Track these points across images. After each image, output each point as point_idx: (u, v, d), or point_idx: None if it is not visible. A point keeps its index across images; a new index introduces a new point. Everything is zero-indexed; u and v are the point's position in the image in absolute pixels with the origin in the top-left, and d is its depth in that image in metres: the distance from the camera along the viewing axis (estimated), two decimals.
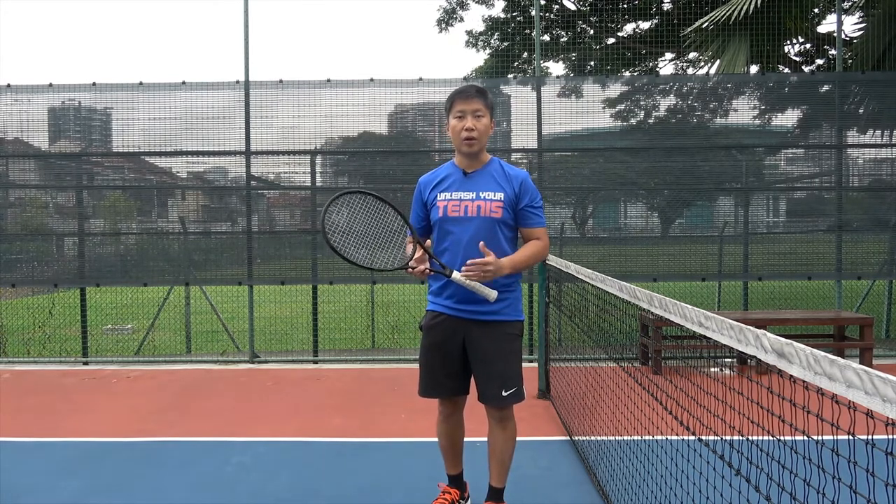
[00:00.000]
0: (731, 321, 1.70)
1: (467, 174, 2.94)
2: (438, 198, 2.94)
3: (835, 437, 1.37)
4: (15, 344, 8.19)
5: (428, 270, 2.76)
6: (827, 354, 1.29)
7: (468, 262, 2.73)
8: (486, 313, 2.87)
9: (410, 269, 2.76)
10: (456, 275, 2.74)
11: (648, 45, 11.40)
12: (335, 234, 2.76)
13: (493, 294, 2.75)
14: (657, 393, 2.71)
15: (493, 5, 13.07)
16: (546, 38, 12.06)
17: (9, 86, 6.97)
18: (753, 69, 8.53)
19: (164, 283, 7.54)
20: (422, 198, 3.04)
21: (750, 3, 7.03)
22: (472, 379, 3.01)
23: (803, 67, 10.30)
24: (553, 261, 4.70)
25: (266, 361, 7.06)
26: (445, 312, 2.94)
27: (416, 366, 3.10)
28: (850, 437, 1.32)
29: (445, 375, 2.98)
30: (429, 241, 2.88)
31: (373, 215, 2.83)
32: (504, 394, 2.88)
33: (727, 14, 7.25)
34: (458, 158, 2.98)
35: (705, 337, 1.87)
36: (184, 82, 6.87)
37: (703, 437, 2.19)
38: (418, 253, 2.77)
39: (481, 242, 2.73)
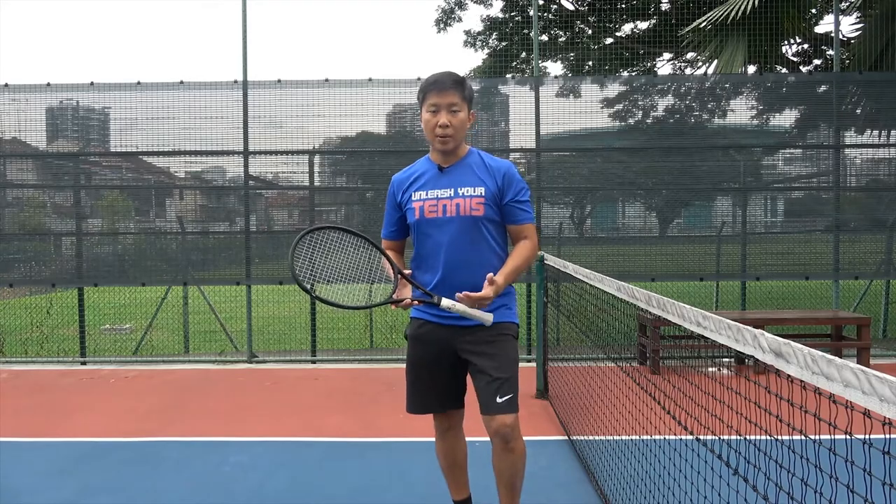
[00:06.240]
0: (728, 321, 1.71)
1: (443, 169, 2.65)
2: (413, 198, 2.66)
3: (832, 437, 1.37)
4: (13, 344, 8.17)
5: (413, 301, 2.51)
6: (824, 354, 1.29)
7: (465, 294, 2.42)
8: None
9: (394, 305, 2.51)
10: (445, 301, 2.46)
11: (646, 45, 11.41)
12: (306, 274, 2.53)
13: (489, 318, 2.50)
14: (655, 393, 2.72)
15: (491, 5, 13.07)
16: (544, 38, 12.06)
17: (6, 85, 6.96)
18: (751, 69, 8.54)
19: (162, 282, 7.53)
20: (395, 199, 2.74)
21: (747, 4, 7.03)
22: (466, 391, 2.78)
23: (801, 68, 10.31)
24: (551, 260, 4.71)
25: (264, 361, 7.05)
26: (431, 321, 2.67)
27: None
28: (848, 437, 1.32)
29: (433, 389, 2.72)
30: (408, 270, 2.60)
31: (345, 250, 2.60)
32: (498, 400, 2.53)
33: (725, 14, 7.26)
34: (433, 153, 2.70)
35: (703, 337, 1.87)
36: (182, 82, 6.86)
37: (702, 437, 2.19)
38: (400, 284, 2.52)
39: (489, 274, 2.46)
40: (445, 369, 2.68)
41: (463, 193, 2.59)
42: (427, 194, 2.63)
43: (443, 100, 2.55)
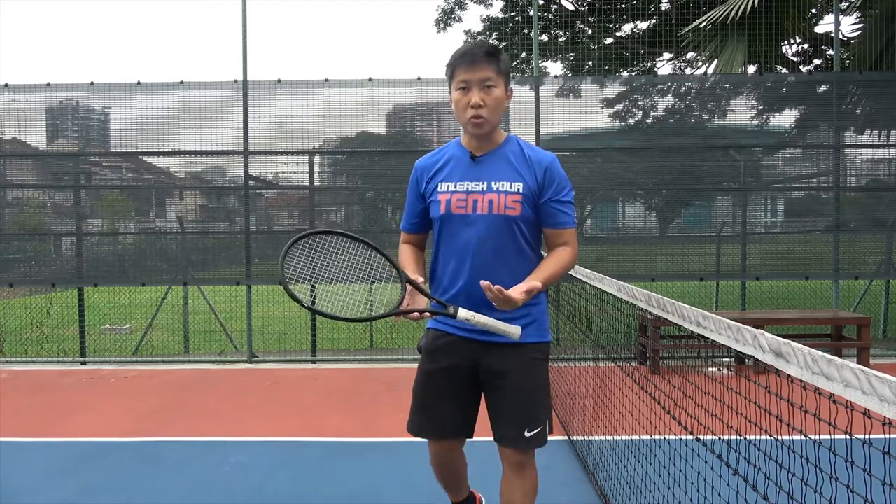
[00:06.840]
0: (728, 321, 1.71)
1: (476, 158, 2.29)
2: (439, 189, 2.30)
3: (832, 437, 1.38)
4: (12, 344, 8.17)
5: (425, 313, 2.18)
6: (824, 354, 1.29)
7: (498, 287, 2.04)
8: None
9: (403, 316, 2.17)
10: (462, 312, 2.11)
11: (646, 45, 11.41)
12: (304, 275, 2.24)
13: (516, 331, 2.13)
14: (655, 393, 2.72)
15: (491, 5, 13.07)
16: (544, 38, 12.06)
17: (6, 85, 6.96)
18: (751, 69, 8.54)
19: (162, 283, 7.53)
20: (419, 188, 2.39)
21: (747, 3, 7.04)
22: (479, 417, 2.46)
23: (801, 68, 10.31)
24: None
25: (264, 361, 7.05)
26: (451, 332, 2.33)
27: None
28: (848, 437, 1.32)
29: (446, 411, 2.38)
30: (420, 278, 2.24)
31: (346, 254, 2.29)
32: (527, 434, 2.25)
33: (725, 14, 7.26)
34: (465, 137, 2.35)
35: (703, 337, 1.87)
36: (182, 82, 6.86)
37: (701, 437, 2.19)
38: (410, 292, 2.19)
39: (531, 279, 2.16)
40: (460, 391, 2.36)
41: (497, 188, 2.24)
42: (456, 186, 2.28)
43: (474, 75, 2.18)
